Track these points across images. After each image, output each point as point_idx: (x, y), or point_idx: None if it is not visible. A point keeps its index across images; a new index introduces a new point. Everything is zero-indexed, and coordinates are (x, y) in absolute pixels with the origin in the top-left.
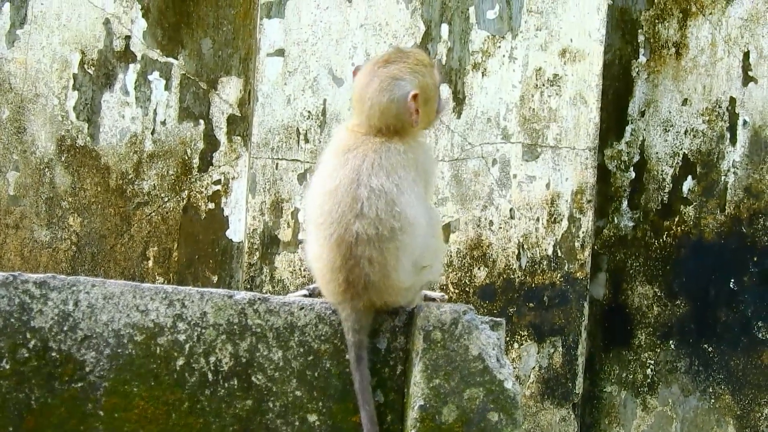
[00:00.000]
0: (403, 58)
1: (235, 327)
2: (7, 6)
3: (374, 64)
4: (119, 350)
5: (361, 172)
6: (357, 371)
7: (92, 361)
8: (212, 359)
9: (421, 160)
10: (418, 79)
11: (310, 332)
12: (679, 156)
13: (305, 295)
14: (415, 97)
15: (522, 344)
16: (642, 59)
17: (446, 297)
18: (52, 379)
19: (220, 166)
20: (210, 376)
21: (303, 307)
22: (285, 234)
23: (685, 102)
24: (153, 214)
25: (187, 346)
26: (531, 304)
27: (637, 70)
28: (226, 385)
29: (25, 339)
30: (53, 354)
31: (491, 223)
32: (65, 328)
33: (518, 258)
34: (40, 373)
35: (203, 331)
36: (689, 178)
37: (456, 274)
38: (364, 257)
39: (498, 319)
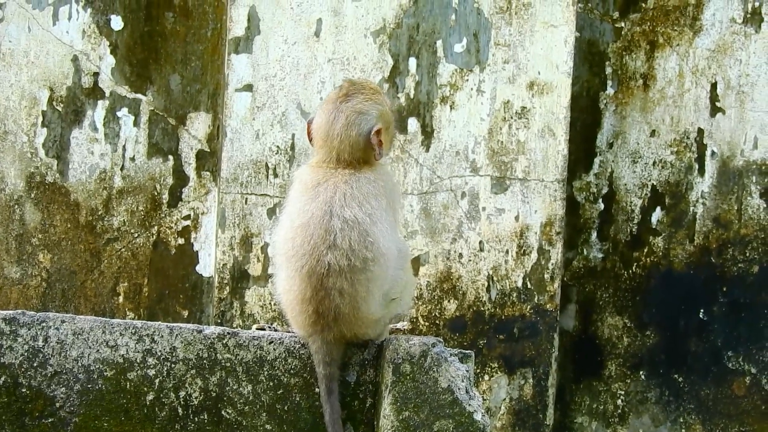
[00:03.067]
0: (360, 89)
1: (205, 361)
2: None
3: (335, 100)
4: (89, 386)
5: (333, 204)
6: (327, 404)
7: (62, 397)
8: (182, 394)
9: (389, 188)
10: (379, 110)
11: (279, 366)
12: (647, 187)
13: (260, 329)
14: (378, 132)
15: (492, 376)
16: (610, 91)
17: (409, 326)
18: (23, 415)
19: (189, 202)
20: (180, 410)
21: (272, 341)
22: (255, 268)
23: (653, 133)
24: (123, 249)
25: (157, 380)
26: (501, 336)
27: (605, 101)
28: (197, 419)
29: None
30: (23, 390)
31: (461, 255)
32: (35, 364)
33: (488, 290)
34: (11, 409)
35: (173, 365)
36: (658, 209)
37: (426, 307)
38: (334, 288)
39: (467, 351)
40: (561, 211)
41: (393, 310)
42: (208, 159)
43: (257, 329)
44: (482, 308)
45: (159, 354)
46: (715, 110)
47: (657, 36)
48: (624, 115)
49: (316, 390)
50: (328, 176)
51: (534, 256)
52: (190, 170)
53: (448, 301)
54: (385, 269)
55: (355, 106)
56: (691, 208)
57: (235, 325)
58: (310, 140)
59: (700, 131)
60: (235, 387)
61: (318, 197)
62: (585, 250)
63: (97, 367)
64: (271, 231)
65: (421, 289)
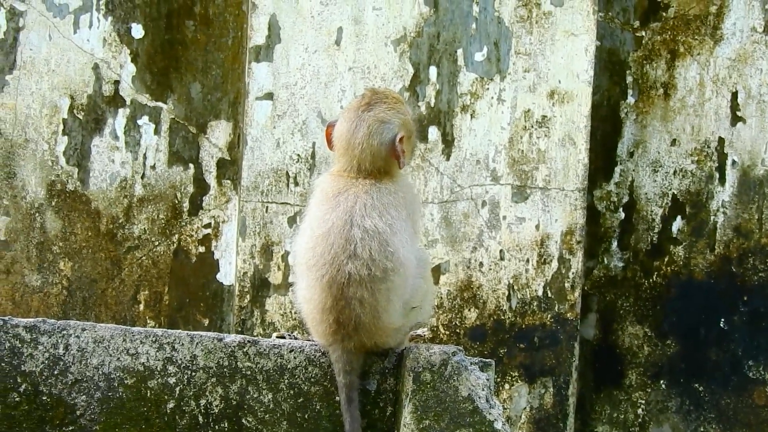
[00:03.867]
0: (382, 99)
1: (225, 370)
2: None
3: (357, 109)
4: (110, 393)
5: (354, 213)
6: (347, 413)
7: (83, 405)
8: (203, 402)
9: (409, 198)
10: (401, 119)
11: (300, 374)
12: (668, 196)
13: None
14: (401, 139)
15: (513, 385)
16: (630, 100)
17: (429, 332)
18: (43, 423)
19: (210, 210)
20: (200, 418)
21: (293, 350)
22: (275, 277)
23: (673, 142)
24: (143, 258)
25: (177, 389)
26: (521, 345)
27: (625, 110)
28: (217, 427)
29: (16, 383)
30: (44, 398)
31: (481, 264)
32: (56, 372)
33: (508, 299)
34: (32, 417)
35: (193, 374)
36: (678, 218)
37: (446, 316)
38: (355, 298)
39: (487, 360)
40: (581, 220)
41: (413, 318)
42: (229, 167)
43: (277, 337)
44: (503, 317)
45: (179, 362)
46: (735, 119)
47: (678, 45)
48: (644, 124)
49: (337, 398)
50: (349, 186)
51: (554, 265)
52: (211, 178)
53: (469, 309)
54: (405, 278)
55: (378, 115)
56: (712, 218)
57: (255, 334)
58: (329, 145)
59: (721, 140)
60: (255, 395)
61: (339, 207)
62: (605, 259)
63: (117, 375)
64: (292, 239)
65: (441, 297)
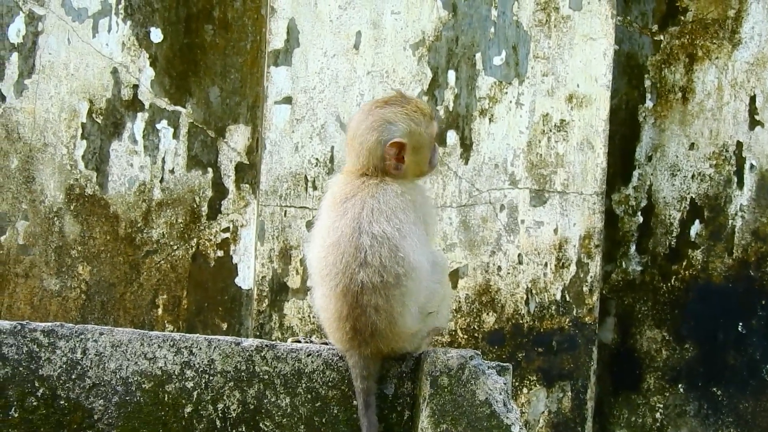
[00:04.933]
0: (402, 102)
1: (243, 374)
2: (15, 56)
3: (373, 104)
4: (127, 398)
5: (361, 220)
6: (365, 417)
7: (101, 409)
8: (220, 406)
9: (419, 201)
10: (410, 127)
11: (317, 378)
12: (686, 200)
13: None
14: (398, 144)
15: (531, 389)
16: (649, 104)
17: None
18: (61, 428)
19: (228, 214)
20: (218, 423)
21: (310, 354)
22: (294, 281)
23: (692, 146)
24: (162, 262)
25: (195, 393)
26: (540, 349)
27: (643, 114)
28: (234, 431)
29: (34, 387)
30: (62, 402)
31: (499, 268)
32: (73, 376)
33: (527, 303)
34: (49, 421)
35: (211, 378)
36: (697, 222)
37: (465, 320)
38: (370, 306)
39: (505, 364)
40: (600, 224)
41: (430, 323)
42: (247, 171)
43: (293, 342)
44: (521, 321)
45: (197, 366)
46: (754, 123)
47: (696, 49)
48: (663, 128)
49: (354, 403)
50: (356, 190)
51: (573, 269)
52: (230, 183)
53: (487, 313)
54: (418, 283)
55: (386, 114)
56: (730, 221)
57: (273, 338)
58: None
59: (739, 144)
60: (273, 399)
61: (347, 214)
62: (624, 263)
63: (135, 379)
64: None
65: (459, 301)
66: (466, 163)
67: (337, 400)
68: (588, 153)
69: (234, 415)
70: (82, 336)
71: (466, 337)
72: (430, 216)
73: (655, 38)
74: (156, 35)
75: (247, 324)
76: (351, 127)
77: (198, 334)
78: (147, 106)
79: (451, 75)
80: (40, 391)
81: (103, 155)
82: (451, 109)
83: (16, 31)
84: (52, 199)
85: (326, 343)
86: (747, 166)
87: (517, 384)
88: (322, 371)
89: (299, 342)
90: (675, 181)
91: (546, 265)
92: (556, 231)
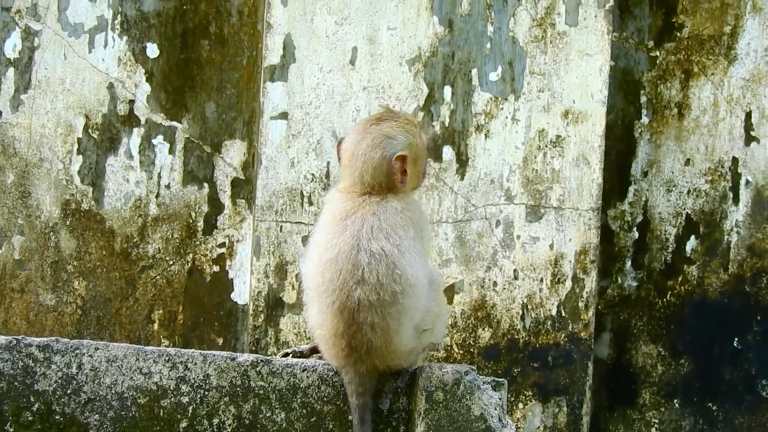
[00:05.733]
0: (393, 117)
1: (238, 389)
2: (11, 71)
3: (366, 123)
4: (123, 413)
5: (360, 238)
6: None
7: (96, 424)
8: (215, 421)
9: (417, 217)
10: (408, 139)
11: (312, 394)
12: (682, 216)
13: (285, 355)
14: (402, 158)
15: (527, 404)
16: (644, 120)
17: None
18: None
19: (224, 229)
20: None
21: (305, 369)
22: (290, 296)
23: (687, 162)
24: (158, 277)
25: (190, 408)
26: (535, 364)
27: (639, 130)
28: None
29: (29, 402)
30: (57, 417)
31: (495, 283)
32: (69, 391)
33: (522, 318)
34: None
35: (206, 393)
36: (692, 237)
37: (460, 335)
38: (366, 323)
39: (500, 379)
40: (595, 239)
41: (425, 340)
42: (243, 187)
43: (282, 356)
44: (516, 336)
45: (192, 381)
46: (749, 139)
47: (692, 65)
48: (659, 144)
49: (350, 418)
50: (356, 207)
51: (568, 284)
52: (225, 198)
53: (483, 329)
54: (415, 300)
55: (384, 130)
56: (726, 237)
57: (269, 353)
58: (339, 159)
59: (735, 160)
60: (268, 414)
61: (345, 231)
62: (619, 278)
63: (130, 394)
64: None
65: (455, 317)
66: (462, 178)
67: (333, 416)
68: (584, 168)
69: (229, 430)
70: (78, 351)
71: (461, 352)
72: (427, 231)
73: (651, 54)
74: (152, 50)
75: (243, 339)
76: (348, 147)
77: (193, 350)
78: (143, 122)
79: (447, 91)
80: (36, 406)
81: (99, 170)
82: (447, 124)
83: (12, 46)
84: (48, 214)
85: (314, 348)
86: (743, 181)
87: (512, 399)
88: (317, 386)
89: (287, 355)
90: (671, 197)
91: (542, 280)
92: (551, 246)
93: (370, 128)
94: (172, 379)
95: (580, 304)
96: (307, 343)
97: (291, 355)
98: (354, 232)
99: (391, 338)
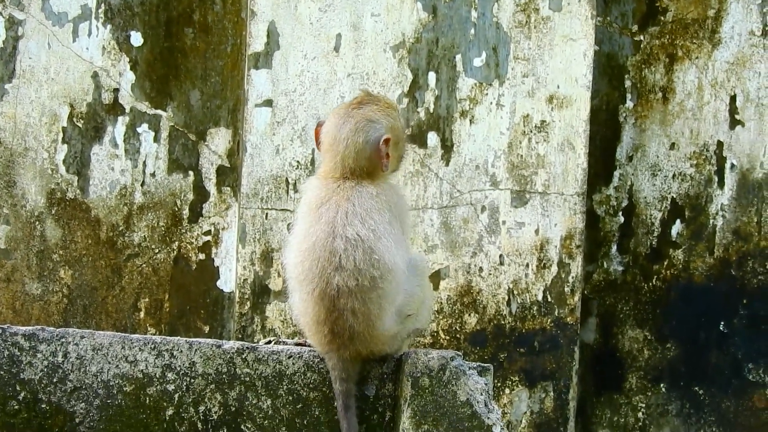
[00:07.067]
0: (374, 100)
1: (224, 376)
2: None
3: (347, 106)
4: (109, 401)
5: (336, 224)
6: (345, 419)
7: (82, 413)
8: (201, 408)
9: (393, 201)
10: (390, 123)
11: (298, 380)
12: (667, 200)
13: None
14: (387, 141)
15: (513, 389)
16: (629, 104)
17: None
18: (43, 431)
19: (210, 217)
20: (200, 425)
21: (291, 356)
22: (275, 283)
23: (672, 146)
24: (144, 265)
25: (176, 395)
26: (522, 350)
27: (624, 115)
28: None
29: (15, 391)
30: (43, 406)
31: (481, 269)
32: (55, 380)
33: (508, 304)
34: (31, 425)
35: (192, 380)
36: (678, 221)
37: (446, 321)
38: (347, 309)
39: (486, 364)
40: (581, 224)
41: (410, 325)
42: (229, 174)
43: (265, 343)
44: (503, 322)
45: (178, 369)
46: (734, 123)
47: (676, 49)
48: (643, 128)
49: (336, 404)
50: (331, 194)
51: (554, 269)
52: (211, 186)
53: (469, 314)
54: (395, 285)
55: (366, 114)
56: (711, 221)
57: (256, 340)
58: (317, 144)
59: (720, 144)
60: (254, 401)
61: (321, 218)
62: (605, 263)
63: (116, 382)
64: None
65: (441, 303)
66: (447, 164)
67: (319, 402)
68: (569, 153)
69: (215, 417)
70: (63, 339)
71: (447, 338)
72: (406, 215)
73: (635, 38)
74: (136, 39)
75: (229, 327)
76: (329, 132)
77: (178, 337)
78: (128, 110)
79: (432, 77)
80: (22, 394)
81: (84, 159)
82: (431, 110)
83: None
84: (33, 204)
85: (301, 344)
86: (728, 165)
87: (499, 384)
88: (303, 373)
89: (269, 342)
90: (656, 181)
91: (527, 265)
92: (537, 232)
93: (352, 112)
94: (158, 366)
95: (566, 290)
96: (293, 338)
97: (273, 343)
98: (329, 219)
99: (373, 323)
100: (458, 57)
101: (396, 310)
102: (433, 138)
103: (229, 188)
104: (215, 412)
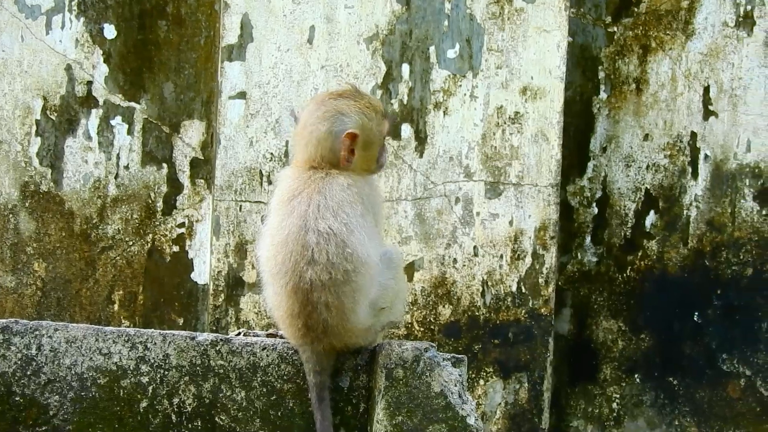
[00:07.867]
0: (355, 96)
1: (198, 368)
2: None
3: (325, 95)
4: (83, 393)
5: (308, 218)
6: (319, 411)
7: (56, 405)
8: (176, 401)
9: (366, 192)
10: (362, 120)
11: (272, 372)
12: (641, 191)
13: (237, 334)
14: (351, 136)
15: (488, 381)
16: (603, 95)
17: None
18: (17, 424)
19: (183, 209)
20: (174, 417)
21: (265, 348)
22: (249, 275)
23: (646, 137)
24: (118, 258)
25: (150, 388)
26: (496, 341)
27: (598, 106)
28: (190, 426)
29: None
30: (17, 398)
31: (455, 261)
32: (29, 372)
33: (482, 295)
34: (5, 417)
35: (166, 372)
36: (652, 212)
37: (421, 312)
38: (320, 303)
39: (459, 356)
40: (555, 215)
41: (384, 318)
42: (202, 167)
43: (235, 335)
44: (477, 313)
45: (152, 361)
46: (708, 114)
47: (650, 40)
48: (617, 120)
49: (310, 396)
50: (303, 186)
51: (528, 260)
52: (185, 178)
53: (443, 306)
54: (368, 278)
55: (339, 105)
56: (685, 212)
57: (230, 332)
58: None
59: (693, 135)
60: (228, 393)
61: (293, 212)
62: (579, 254)
63: (90, 374)
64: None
65: (415, 294)
66: (421, 156)
67: (293, 394)
68: (542, 145)
69: (189, 409)
70: (37, 332)
71: (422, 329)
72: (379, 207)
73: (609, 30)
74: (109, 31)
75: (204, 319)
76: (302, 117)
77: (152, 330)
78: (101, 103)
79: (405, 68)
80: None
81: (58, 152)
82: (405, 102)
83: None
84: (6, 197)
85: (273, 335)
86: (701, 156)
87: (473, 376)
88: (277, 365)
89: (239, 334)
90: (629, 172)
91: (502, 257)
92: (511, 223)
93: (327, 101)
94: (131, 359)
95: (540, 281)
96: (266, 330)
97: (243, 334)
98: (301, 213)
99: (347, 317)
100: (432, 48)
101: (370, 303)
102: (406, 130)
103: (203, 180)
104: (189, 404)
